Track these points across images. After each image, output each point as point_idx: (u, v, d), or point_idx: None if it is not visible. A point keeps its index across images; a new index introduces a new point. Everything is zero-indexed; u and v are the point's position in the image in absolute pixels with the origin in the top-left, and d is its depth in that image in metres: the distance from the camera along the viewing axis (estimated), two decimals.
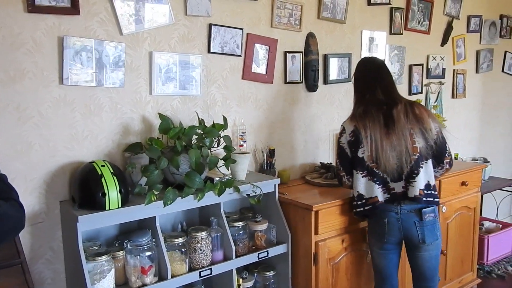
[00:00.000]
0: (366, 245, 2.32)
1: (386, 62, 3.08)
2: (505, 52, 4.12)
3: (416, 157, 2.02)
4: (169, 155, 1.89)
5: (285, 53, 2.52)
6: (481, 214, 3.77)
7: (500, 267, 3.48)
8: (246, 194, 2.10)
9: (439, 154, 2.09)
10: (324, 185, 2.44)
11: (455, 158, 3.46)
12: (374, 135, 2.02)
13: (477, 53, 3.83)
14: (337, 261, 2.21)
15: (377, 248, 2.15)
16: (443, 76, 3.50)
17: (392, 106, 2.06)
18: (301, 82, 2.62)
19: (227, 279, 2.05)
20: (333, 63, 2.75)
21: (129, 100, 1.99)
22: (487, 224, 3.73)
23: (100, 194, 1.66)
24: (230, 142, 2.06)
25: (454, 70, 3.62)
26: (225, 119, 2.08)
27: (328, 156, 2.82)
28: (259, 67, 2.42)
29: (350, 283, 2.29)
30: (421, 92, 3.38)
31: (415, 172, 2.03)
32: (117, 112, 1.96)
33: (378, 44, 3.00)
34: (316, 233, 2.12)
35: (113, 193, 1.68)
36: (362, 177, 2.07)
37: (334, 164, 2.35)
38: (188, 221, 2.17)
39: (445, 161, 2.12)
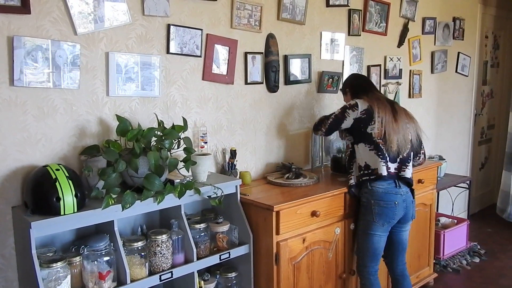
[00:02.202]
0: (326, 244, 2.37)
1: (346, 63, 3.15)
2: (458, 53, 4.30)
3: (409, 146, 2.38)
4: (127, 158, 1.85)
5: (246, 54, 2.52)
6: (437, 210, 3.92)
7: (455, 261, 3.63)
8: (207, 196, 2.09)
9: (418, 147, 2.47)
10: (285, 185, 2.46)
11: None
12: (385, 117, 2.31)
13: (432, 54, 3.98)
14: (298, 260, 2.24)
15: (380, 232, 2.35)
16: (400, 76, 3.61)
17: (392, 102, 2.44)
18: (262, 83, 2.63)
19: (189, 282, 2.03)
20: (294, 64, 2.78)
21: (85, 102, 1.94)
22: (443, 219, 3.87)
23: (55, 199, 1.61)
24: (191, 143, 2.05)
25: (410, 70, 3.74)
26: (185, 121, 2.06)
27: (289, 156, 2.85)
28: (220, 68, 2.41)
29: (311, 282, 2.32)
30: (380, 92, 3.47)
31: (408, 159, 2.40)
32: (72, 114, 1.91)
33: (338, 45, 3.06)
34: (277, 233, 2.13)
35: (68, 198, 1.63)
36: (369, 150, 2.35)
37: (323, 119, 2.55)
38: (148, 224, 2.13)
39: (421, 152, 2.52)
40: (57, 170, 1.66)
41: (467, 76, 4.50)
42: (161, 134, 1.97)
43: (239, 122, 2.56)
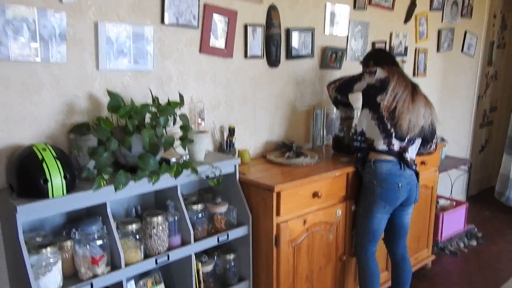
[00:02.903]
0: (327, 225, 2.29)
1: (350, 38, 3.01)
2: (465, 32, 4.16)
3: (418, 131, 2.25)
4: (120, 136, 1.74)
5: (246, 26, 2.38)
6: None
7: (452, 243, 3.59)
8: (205, 176, 1.99)
9: (430, 136, 2.34)
10: (286, 165, 2.36)
11: None
12: (401, 94, 2.21)
13: (439, 32, 3.84)
14: (299, 242, 2.16)
15: (381, 214, 2.27)
16: (405, 54, 3.48)
17: (415, 85, 2.31)
18: (263, 57, 2.50)
19: (186, 264, 1.95)
20: (296, 38, 2.64)
21: (73, 76, 1.81)
22: (442, 201, 3.82)
23: (42, 181, 1.50)
24: (187, 120, 1.93)
25: (416, 48, 3.60)
26: (181, 96, 1.94)
27: (290, 134, 2.74)
28: (218, 41, 2.28)
29: (311, 264, 2.26)
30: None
31: (412, 141, 2.29)
32: (60, 90, 1.78)
33: (342, 19, 2.92)
34: (277, 214, 2.05)
35: (56, 179, 1.52)
36: (371, 119, 2.27)
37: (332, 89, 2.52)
38: (143, 205, 2.04)
39: (433, 141, 2.39)
40: (44, 150, 1.54)
41: (472, 56, 4.37)
42: (155, 110, 1.85)
43: (238, 98, 2.44)
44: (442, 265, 3.28)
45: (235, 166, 2.11)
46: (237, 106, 2.44)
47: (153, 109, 1.86)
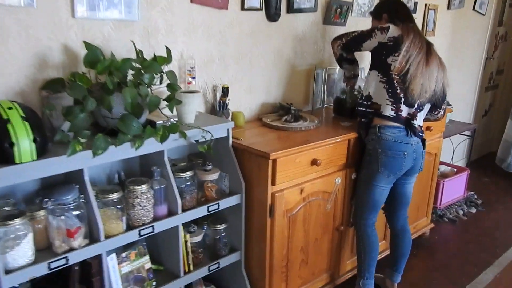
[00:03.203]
0: (325, 194, 2.15)
1: None
2: None
3: (428, 96, 2.07)
4: (98, 95, 1.55)
5: None
6: None
7: (452, 211, 3.50)
8: (195, 140, 1.82)
9: (440, 101, 2.18)
10: (283, 129, 2.19)
11: None
12: (416, 55, 2.01)
13: None
14: (294, 213, 2.03)
15: (384, 183, 2.14)
16: (414, 11, 3.22)
17: (429, 44, 2.11)
18: (261, 10, 2.27)
19: (172, 235, 1.82)
20: None
21: (44, 24, 1.58)
22: (442, 168, 3.70)
23: (7, 144, 1.32)
24: (176, 79, 1.73)
25: (426, 4, 3.34)
26: (168, 51, 1.73)
27: (288, 96, 2.55)
28: None
29: (307, 235, 2.13)
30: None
31: (421, 107, 2.12)
32: (29, 39, 1.56)
33: None
34: (273, 183, 1.90)
35: (24, 142, 1.34)
36: (380, 81, 2.09)
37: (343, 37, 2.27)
38: (127, 171, 1.88)
39: (442, 107, 2.23)
40: (10, 108, 1.35)
41: (484, 14, 4.11)
42: (139, 66, 1.65)
43: (233, 55, 2.22)
44: (440, 233, 3.19)
45: (228, 130, 1.94)
46: (231, 63, 2.23)
47: (137, 65, 1.66)
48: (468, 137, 4.11)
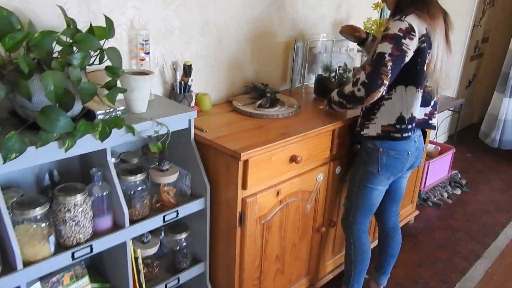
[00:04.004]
0: (305, 194, 1.84)
1: None
2: None
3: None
4: (12, 78, 1.16)
5: None
6: None
7: (436, 193, 3.29)
8: (147, 136, 1.45)
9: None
10: (257, 116, 1.84)
11: None
12: (442, 47, 1.66)
13: None
14: (269, 219, 1.72)
15: (383, 186, 1.86)
16: None
17: (445, 13, 1.70)
18: None
19: (119, 252, 1.48)
20: None
21: None
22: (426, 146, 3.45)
23: None
24: (119, 58, 1.33)
25: None
26: (109, 21, 1.33)
27: (263, 73, 2.18)
28: None
29: (283, 241, 1.83)
30: None
31: (435, 100, 1.82)
32: None
33: None
34: (244, 187, 1.57)
35: None
36: (422, 96, 1.72)
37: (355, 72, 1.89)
38: (62, 169, 1.51)
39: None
40: None
41: None
42: (69, 41, 1.25)
43: (198, 24, 1.83)
44: (425, 220, 2.98)
45: (189, 121, 1.57)
46: (196, 35, 1.83)
47: (67, 39, 1.26)
48: (453, 112, 3.86)
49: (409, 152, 1.77)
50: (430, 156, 3.29)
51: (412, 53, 1.61)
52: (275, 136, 1.65)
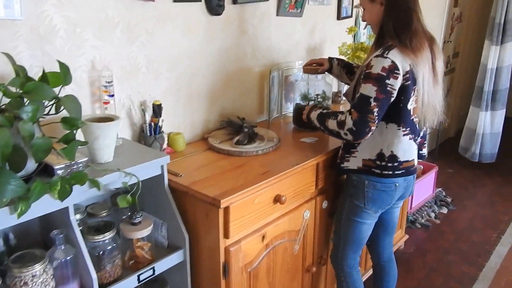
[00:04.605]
0: (292, 234, 1.72)
1: None
2: None
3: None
4: None
5: None
6: None
7: (423, 214, 3.20)
8: (114, 188, 1.31)
9: None
10: (235, 154, 1.72)
11: None
12: (424, 76, 1.55)
13: None
14: (256, 266, 1.58)
15: (371, 220, 1.75)
16: None
17: (431, 40, 1.61)
18: (200, 0, 1.75)
19: None
20: None
21: None
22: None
23: None
24: (77, 106, 1.19)
25: None
26: (63, 67, 1.19)
27: (238, 105, 2.07)
28: None
29: (272, 287, 1.69)
30: (351, 16, 2.68)
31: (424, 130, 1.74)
32: None
33: None
34: (226, 236, 1.43)
35: None
36: (404, 135, 1.61)
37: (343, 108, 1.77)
38: (20, 232, 1.34)
39: None
40: None
41: None
42: (19, 91, 1.11)
43: (166, 60, 1.71)
44: (415, 243, 2.88)
45: (162, 167, 1.44)
46: (164, 71, 1.71)
47: (16, 90, 1.12)
48: (432, 129, 3.82)
49: (397, 184, 1.66)
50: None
51: (397, 92, 1.53)
52: (256, 176, 1.52)
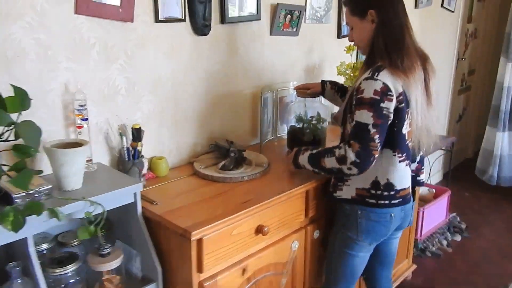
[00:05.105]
0: (279, 266, 1.60)
1: None
2: None
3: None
4: None
5: None
6: None
7: (434, 241, 3.03)
8: (80, 218, 1.24)
9: None
10: (219, 180, 1.63)
11: None
12: (417, 99, 1.45)
13: None
14: None
15: (364, 252, 1.62)
16: None
17: (424, 59, 1.53)
18: (184, 20, 1.70)
19: None
20: None
21: None
22: (420, 190, 3.22)
23: None
24: (34, 132, 1.13)
25: None
26: (20, 92, 1.13)
27: (229, 128, 1.99)
28: None
29: None
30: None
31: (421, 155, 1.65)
32: None
33: None
34: (199, 270, 1.33)
35: None
36: (400, 161, 1.50)
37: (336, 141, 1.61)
38: None
39: None
40: None
41: (453, 11, 3.69)
42: None
43: (148, 82, 1.65)
44: (424, 274, 2.71)
45: (135, 194, 1.36)
46: (146, 94, 1.65)
47: None
48: (445, 151, 3.66)
49: (393, 215, 1.54)
50: (424, 200, 3.07)
51: (393, 114, 1.43)
52: (236, 205, 1.43)
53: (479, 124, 4.73)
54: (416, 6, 3.17)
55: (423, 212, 2.89)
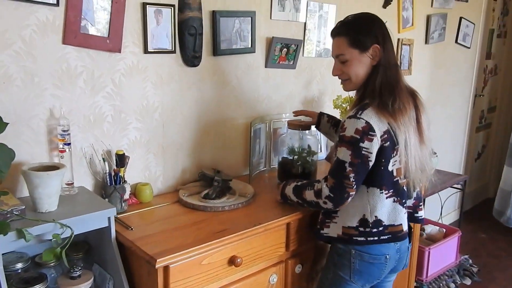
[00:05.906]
0: None
1: (310, 27, 2.26)
2: (460, 18, 3.42)
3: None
4: None
5: (144, 5, 1.63)
6: None
7: (441, 284, 2.89)
8: (50, 239, 1.26)
9: None
10: (200, 209, 1.63)
11: None
12: (409, 139, 1.42)
13: (428, 18, 3.09)
14: None
15: None
16: None
17: (414, 97, 1.51)
18: (174, 52, 1.75)
19: None
20: (226, 25, 1.88)
21: None
22: (429, 228, 3.11)
23: None
24: (4, 155, 1.18)
25: (398, 39, 2.86)
26: None
27: (221, 157, 2.00)
28: (95, 26, 1.52)
29: None
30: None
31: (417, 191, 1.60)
32: None
33: (301, 2, 2.17)
34: None
35: None
36: (387, 197, 1.47)
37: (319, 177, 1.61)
38: None
39: None
40: None
41: (469, 48, 3.65)
42: None
43: (135, 110, 1.69)
44: None
45: (109, 219, 1.38)
46: (133, 121, 1.69)
47: None
48: (458, 190, 3.54)
49: (388, 256, 1.49)
50: (433, 240, 2.96)
51: (375, 156, 1.40)
52: (209, 234, 1.42)
53: (501, 163, 4.57)
54: (426, 42, 3.16)
55: (429, 252, 2.78)
